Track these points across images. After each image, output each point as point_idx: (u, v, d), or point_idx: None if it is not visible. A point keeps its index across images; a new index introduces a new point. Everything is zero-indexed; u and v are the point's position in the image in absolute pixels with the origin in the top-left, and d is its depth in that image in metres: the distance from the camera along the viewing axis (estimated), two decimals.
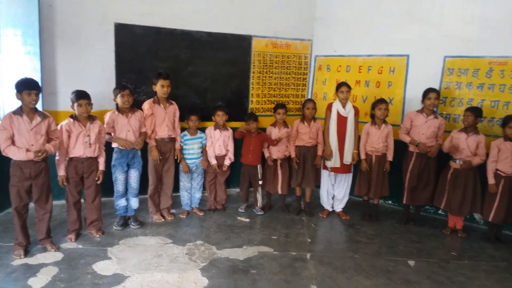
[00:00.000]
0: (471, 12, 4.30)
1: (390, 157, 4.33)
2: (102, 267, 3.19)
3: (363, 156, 4.35)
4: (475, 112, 3.96)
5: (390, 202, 5.03)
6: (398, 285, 3.12)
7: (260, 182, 4.57)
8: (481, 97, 4.30)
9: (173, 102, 4.24)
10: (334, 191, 4.62)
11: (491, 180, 3.86)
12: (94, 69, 4.44)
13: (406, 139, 4.25)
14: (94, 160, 3.66)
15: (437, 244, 3.93)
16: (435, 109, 4.23)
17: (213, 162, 4.41)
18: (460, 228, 4.19)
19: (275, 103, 5.26)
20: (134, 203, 4.05)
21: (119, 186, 3.94)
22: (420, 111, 4.24)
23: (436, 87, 4.43)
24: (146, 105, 4.07)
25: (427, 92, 4.15)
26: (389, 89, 4.90)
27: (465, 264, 3.52)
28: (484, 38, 4.24)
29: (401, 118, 4.79)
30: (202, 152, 4.45)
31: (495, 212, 3.85)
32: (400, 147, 4.39)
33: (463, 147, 3.98)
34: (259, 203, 4.61)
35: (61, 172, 3.51)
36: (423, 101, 4.19)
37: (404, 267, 3.43)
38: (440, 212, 4.63)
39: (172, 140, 4.22)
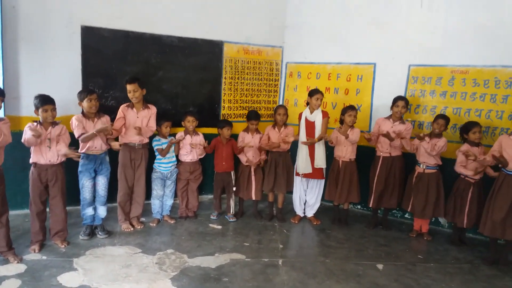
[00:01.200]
0: (434, 23, 4.48)
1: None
2: (68, 279, 3.07)
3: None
4: (447, 120, 4.09)
5: (359, 206, 5.14)
6: None
7: (234, 189, 4.55)
8: (444, 104, 4.49)
9: (150, 106, 4.15)
10: (306, 197, 4.66)
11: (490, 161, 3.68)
12: (59, 73, 4.29)
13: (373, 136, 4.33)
14: (59, 167, 3.52)
15: (404, 248, 4.05)
16: (401, 116, 4.37)
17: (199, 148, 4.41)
18: (425, 232, 4.33)
19: (247, 109, 5.28)
20: (102, 211, 3.93)
21: (86, 194, 3.81)
22: (388, 117, 4.37)
23: (402, 94, 4.58)
24: (120, 109, 4.03)
25: (396, 100, 4.29)
26: (357, 96, 5.02)
27: (431, 267, 3.64)
28: (446, 47, 4.43)
29: (368, 125, 4.92)
30: (175, 156, 4.39)
31: (467, 219, 3.97)
32: (368, 154, 4.49)
33: (423, 150, 4.12)
34: (232, 210, 4.59)
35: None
36: (391, 107, 4.33)
37: (373, 270, 3.51)
38: (406, 216, 4.77)
39: (144, 146, 4.14)
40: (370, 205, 4.47)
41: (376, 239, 4.22)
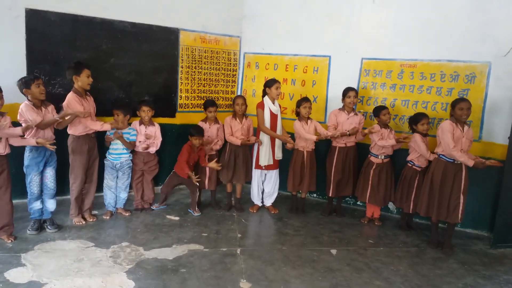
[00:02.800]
0: (385, 18, 4.67)
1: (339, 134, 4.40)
2: (16, 275, 2.92)
3: (314, 138, 4.37)
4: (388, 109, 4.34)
5: (315, 195, 5.29)
6: (321, 273, 3.31)
7: (197, 184, 4.46)
8: (393, 96, 4.70)
9: (89, 94, 3.95)
10: (264, 187, 4.72)
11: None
12: (2, 59, 4.01)
13: (335, 133, 4.38)
14: (3, 158, 3.32)
15: (356, 233, 4.24)
16: (354, 106, 4.53)
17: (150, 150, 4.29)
18: (377, 217, 4.55)
19: (205, 98, 5.22)
20: (51, 205, 3.74)
21: (33, 188, 3.60)
22: (342, 109, 4.51)
23: (355, 86, 4.74)
24: (73, 98, 3.67)
25: (347, 91, 4.43)
26: (314, 87, 5.13)
27: (381, 251, 3.84)
28: (396, 42, 4.63)
29: (324, 115, 5.05)
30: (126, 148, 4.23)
31: (413, 204, 4.21)
32: (324, 145, 4.62)
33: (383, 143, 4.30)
34: (196, 206, 4.49)
35: None
36: (343, 99, 4.46)
37: (327, 256, 3.64)
38: (358, 203, 4.98)
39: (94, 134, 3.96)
40: (330, 195, 4.59)
41: (330, 226, 4.38)
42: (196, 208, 4.48)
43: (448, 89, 4.41)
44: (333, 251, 3.74)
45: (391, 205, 4.78)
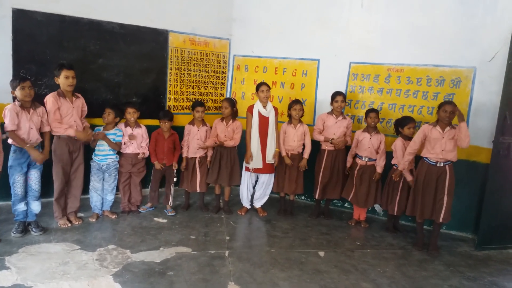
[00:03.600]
0: (374, 22, 4.72)
1: (306, 155, 4.53)
2: (0, 278, 2.85)
3: (284, 153, 4.50)
4: (378, 112, 4.38)
5: (303, 197, 5.31)
6: (309, 275, 3.32)
7: (175, 179, 4.47)
8: (380, 100, 4.76)
9: (79, 95, 3.92)
10: (256, 190, 4.71)
11: (409, 177, 4.11)
12: None
13: (320, 138, 4.52)
14: None
15: (344, 235, 4.26)
16: (342, 110, 4.57)
17: (144, 155, 4.29)
18: (363, 219, 4.59)
19: (194, 100, 5.20)
20: (36, 207, 3.68)
21: (17, 189, 3.54)
22: (330, 113, 4.55)
23: (343, 90, 4.79)
24: (50, 98, 3.67)
25: (335, 95, 4.47)
26: (303, 90, 5.17)
27: (368, 253, 3.87)
28: (384, 46, 4.69)
29: (313, 118, 5.08)
30: (114, 152, 4.20)
31: (398, 206, 4.27)
32: (312, 146, 4.65)
33: (367, 146, 4.36)
34: (171, 202, 4.51)
35: None
36: (331, 103, 4.50)
37: (315, 258, 3.66)
38: (346, 205, 5.02)
39: None
40: (316, 197, 4.63)
41: (318, 228, 4.40)
42: (171, 205, 4.49)
43: (434, 93, 4.49)
44: (321, 253, 3.76)
45: (377, 208, 4.82)
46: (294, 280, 3.21)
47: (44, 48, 4.24)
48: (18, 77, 3.51)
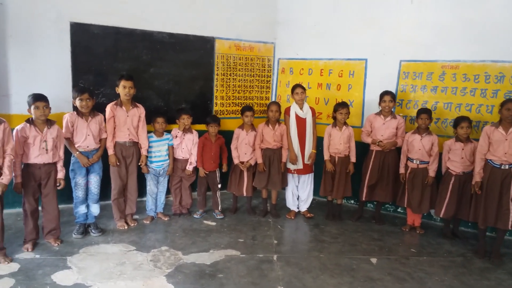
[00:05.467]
0: (424, 18, 4.52)
1: (353, 159, 4.46)
2: (62, 277, 3.04)
3: (326, 157, 4.45)
4: (430, 113, 4.17)
5: (352, 201, 5.17)
6: (361, 282, 3.21)
7: (219, 186, 4.54)
8: (434, 99, 4.53)
9: (139, 105, 4.10)
10: (299, 192, 4.68)
11: (432, 174, 4.12)
12: (49, 70, 4.24)
13: (368, 140, 4.40)
14: (52, 165, 3.49)
15: (397, 241, 4.09)
16: (392, 110, 4.40)
17: (190, 168, 4.39)
18: (418, 225, 4.38)
19: (240, 105, 5.28)
20: (95, 209, 3.90)
21: (78, 192, 3.77)
22: (378, 113, 4.40)
23: (393, 90, 4.59)
24: (107, 107, 3.94)
25: (382, 95, 4.32)
26: (349, 92, 5.05)
27: (424, 260, 3.68)
28: (436, 42, 4.46)
29: (361, 120, 4.95)
30: (168, 155, 4.35)
31: (445, 209, 4.05)
32: (360, 148, 4.53)
33: (418, 147, 4.16)
34: (219, 206, 4.57)
35: (18, 179, 3.32)
36: (379, 103, 4.36)
37: (366, 264, 3.54)
38: (399, 210, 4.82)
39: (135, 144, 4.09)
40: (363, 198, 4.50)
41: (369, 234, 4.26)
42: (219, 209, 4.54)
43: (494, 90, 4.20)
44: (373, 260, 3.63)
45: (433, 212, 4.58)
46: (345, 287, 3.13)
47: (101, 59, 4.49)
48: (78, 89, 3.73)
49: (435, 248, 3.96)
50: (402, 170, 4.32)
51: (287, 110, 4.50)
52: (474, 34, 4.24)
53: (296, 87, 4.42)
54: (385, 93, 4.31)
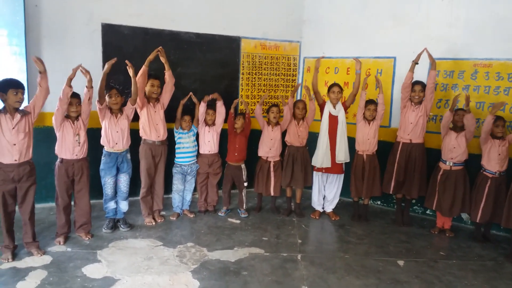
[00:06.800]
0: (456, 15, 4.39)
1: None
2: (92, 270, 3.15)
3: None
4: (465, 111, 4.01)
5: (378, 202, 5.08)
6: (387, 284, 3.16)
7: (245, 184, 4.55)
8: None
9: (159, 98, 4.18)
10: (325, 192, 4.64)
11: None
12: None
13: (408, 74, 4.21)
14: (84, 162, 3.62)
15: (426, 244, 3.99)
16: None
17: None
18: (448, 228, 4.26)
19: (265, 104, 5.27)
20: (124, 206, 4.01)
21: (108, 190, 3.89)
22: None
23: None
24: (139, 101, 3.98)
25: (413, 85, 4.24)
26: (377, 90, 4.94)
27: (454, 264, 3.58)
28: (468, 40, 4.33)
29: (389, 119, 4.86)
30: (196, 147, 4.43)
31: (481, 213, 3.92)
32: (386, 147, 4.43)
33: (453, 145, 4.04)
34: (244, 205, 4.60)
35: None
36: (409, 95, 4.26)
37: (393, 267, 3.47)
38: (428, 212, 4.70)
39: (164, 143, 4.19)
40: (390, 191, 4.40)
41: (397, 236, 4.17)
42: (244, 208, 4.56)
43: None
44: (400, 262, 3.56)
45: (464, 216, 4.44)
46: None
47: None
48: (107, 86, 3.85)
49: (465, 251, 3.85)
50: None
51: (322, 105, 4.46)
52: (508, 31, 4.09)
53: (333, 86, 4.39)
54: (416, 83, 4.23)
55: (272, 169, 4.54)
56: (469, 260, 3.66)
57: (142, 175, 4.13)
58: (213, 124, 4.47)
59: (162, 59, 4.03)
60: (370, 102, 4.34)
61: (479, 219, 3.95)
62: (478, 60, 4.30)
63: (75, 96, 3.48)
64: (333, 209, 4.66)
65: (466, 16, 4.33)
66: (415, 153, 4.26)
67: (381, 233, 4.23)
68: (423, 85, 4.21)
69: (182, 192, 4.46)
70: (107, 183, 3.87)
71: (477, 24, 4.26)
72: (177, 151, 4.35)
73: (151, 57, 3.97)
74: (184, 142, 4.35)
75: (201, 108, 4.38)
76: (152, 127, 4.07)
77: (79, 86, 3.84)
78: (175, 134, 4.34)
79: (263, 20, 5.23)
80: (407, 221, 4.46)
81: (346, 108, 4.47)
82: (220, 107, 4.42)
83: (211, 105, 4.54)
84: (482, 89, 4.30)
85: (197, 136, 4.48)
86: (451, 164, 4.08)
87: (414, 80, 4.26)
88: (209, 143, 4.43)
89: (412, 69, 4.19)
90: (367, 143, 4.35)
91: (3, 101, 3.11)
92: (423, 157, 4.28)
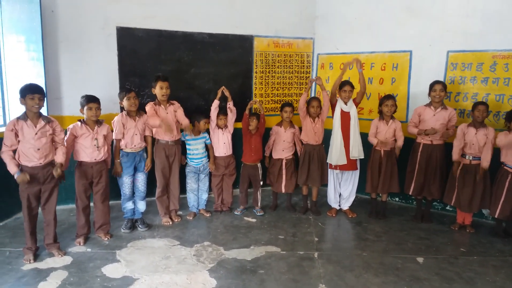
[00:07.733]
0: (473, 6, 4.27)
1: (397, 150, 4.32)
2: (111, 270, 3.21)
3: (375, 143, 4.32)
4: (487, 106, 3.92)
5: (397, 199, 5.01)
6: (407, 282, 3.11)
7: (261, 183, 4.57)
8: (485, 91, 4.27)
9: (174, 102, 4.22)
10: (341, 189, 4.61)
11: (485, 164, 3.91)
12: (97, 73, 4.47)
13: (414, 131, 4.21)
14: (103, 164, 3.69)
15: (446, 240, 3.91)
16: (442, 100, 4.18)
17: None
18: (468, 224, 4.16)
19: (279, 102, 5.28)
20: (141, 206, 4.07)
21: (125, 190, 3.95)
22: (428, 105, 4.22)
23: None
24: (147, 106, 4.06)
25: (433, 85, 4.15)
26: (393, 85, 4.88)
27: (474, 260, 3.50)
28: (486, 31, 4.21)
29: (405, 114, 4.77)
30: (207, 152, 4.46)
31: (501, 208, 3.83)
32: (406, 144, 4.36)
33: (472, 142, 3.95)
34: (259, 203, 4.60)
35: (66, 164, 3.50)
36: (429, 94, 4.18)
37: (412, 264, 3.42)
38: (448, 208, 4.60)
39: (177, 142, 4.23)
40: (410, 193, 4.35)
41: (416, 232, 4.10)
42: (259, 206, 4.56)
43: None
44: (420, 259, 3.50)
45: (485, 211, 4.33)
46: (389, 287, 3.04)
47: (145, 62, 4.67)
48: (124, 89, 3.91)
49: (487, 247, 3.76)
50: (456, 156, 4.03)
51: (335, 103, 4.43)
52: None
53: (345, 84, 4.33)
54: (435, 83, 4.14)
55: (284, 166, 4.53)
56: (490, 256, 3.57)
57: (157, 175, 4.19)
58: (225, 126, 4.48)
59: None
60: (387, 97, 4.27)
61: (498, 215, 3.85)
62: (496, 52, 4.19)
63: (94, 100, 3.52)
64: (349, 206, 4.62)
65: (483, 7, 4.21)
66: (436, 154, 4.18)
67: (399, 230, 4.17)
68: (443, 85, 4.12)
69: (197, 191, 4.49)
70: (125, 182, 3.93)
71: (495, 14, 4.14)
72: (188, 152, 4.39)
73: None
74: (193, 148, 4.37)
75: (214, 105, 4.37)
76: (164, 129, 4.09)
77: (95, 90, 3.92)
78: (183, 138, 4.34)
79: (275, 18, 5.21)
80: (427, 219, 4.38)
81: (357, 105, 4.42)
82: (231, 106, 4.43)
83: (222, 108, 4.53)
84: (501, 81, 4.17)
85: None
86: (470, 158, 3.98)
87: (434, 80, 4.18)
88: (225, 145, 4.45)
89: (419, 133, 4.15)
90: (384, 140, 4.28)
91: (25, 106, 3.20)
92: (443, 158, 4.20)
